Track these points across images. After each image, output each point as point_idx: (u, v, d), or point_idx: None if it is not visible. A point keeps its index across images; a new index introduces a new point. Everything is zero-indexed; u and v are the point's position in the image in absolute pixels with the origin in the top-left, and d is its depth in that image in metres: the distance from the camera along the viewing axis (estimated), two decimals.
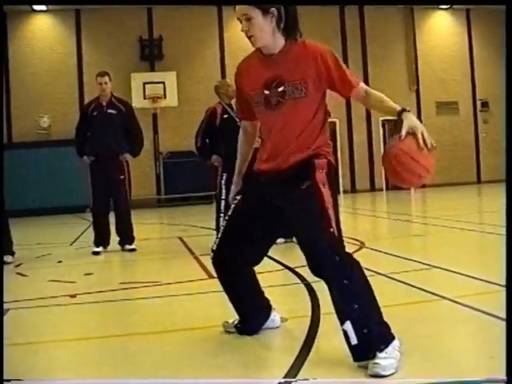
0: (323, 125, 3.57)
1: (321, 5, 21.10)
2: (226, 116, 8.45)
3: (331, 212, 3.33)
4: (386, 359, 3.13)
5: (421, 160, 3.44)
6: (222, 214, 8.19)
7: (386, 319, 3.31)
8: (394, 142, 3.37)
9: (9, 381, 3.04)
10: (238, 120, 8.26)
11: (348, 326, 3.22)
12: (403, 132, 3.29)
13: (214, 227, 8.49)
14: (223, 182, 8.25)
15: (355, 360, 3.21)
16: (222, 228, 3.85)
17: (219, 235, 3.85)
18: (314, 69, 3.46)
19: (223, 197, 8.22)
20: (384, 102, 3.49)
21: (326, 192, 3.37)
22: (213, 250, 3.85)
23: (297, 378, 3.09)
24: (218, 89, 8.78)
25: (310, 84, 3.47)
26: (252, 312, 4.02)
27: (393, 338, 3.25)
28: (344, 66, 3.53)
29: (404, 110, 3.37)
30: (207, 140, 8.64)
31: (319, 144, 3.52)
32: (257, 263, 3.92)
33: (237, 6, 3.48)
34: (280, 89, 3.50)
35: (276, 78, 3.51)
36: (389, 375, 3.08)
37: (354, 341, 3.21)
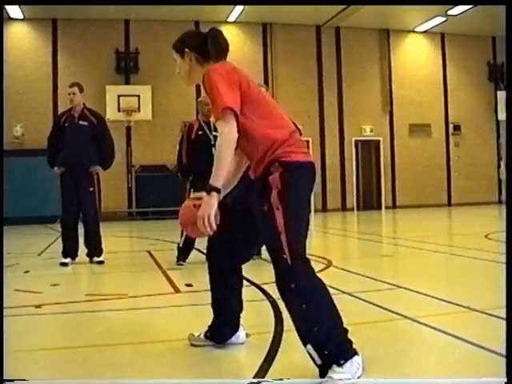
0: (267, 132, 3.45)
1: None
2: (200, 132, 8.53)
3: (283, 237, 3.31)
4: (340, 374, 3.19)
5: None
6: None
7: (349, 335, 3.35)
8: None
9: (12, 381, 3.03)
10: (211, 138, 8.38)
11: (310, 348, 3.29)
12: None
13: (182, 243, 8.43)
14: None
15: (321, 376, 3.25)
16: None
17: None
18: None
19: None
20: (216, 161, 3.37)
21: (278, 215, 3.32)
22: (207, 248, 3.99)
23: (267, 377, 3.11)
24: (197, 105, 8.84)
25: None
26: (228, 320, 4.08)
27: (354, 354, 3.29)
28: (220, 87, 3.42)
29: (212, 189, 3.36)
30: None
31: (274, 148, 3.42)
32: (245, 260, 4.02)
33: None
34: None
35: None
36: None
37: (318, 361, 3.28)
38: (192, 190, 8.29)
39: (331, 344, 3.26)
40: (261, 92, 3.66)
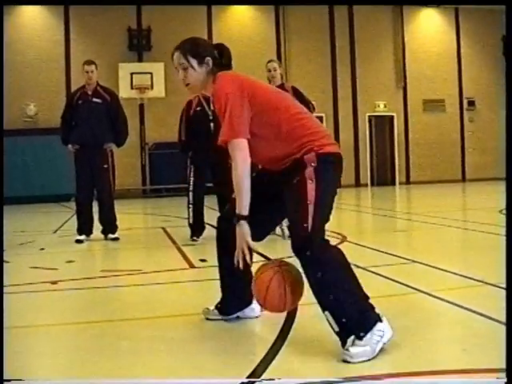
0: (290, 131, 3.53)
1: (315, 4, 21.15)
2: (198, 108, 8.44)
3: (311, 208, 3.38)
4: (358, 347, 3.20)
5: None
6: (190, 205, 8.31)
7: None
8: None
9: (9, 381, 3.05)
10: (210, 114, 8.32)
11: (328, 314, 3.31)
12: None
13: (191, 219, 8.46)
14: (192, 174, 8.35)
15: (342, 346, 3.27)
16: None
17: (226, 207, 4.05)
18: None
19: (191, 188, 8.34)
20: (237, 191, 3.53)
21: (310, 187, 3.40)
22: (218, 223, 4.02)
23: (267, 370, 3.12)
24: None
25: None
26: (237, 293, 4.09)
27: (375, 322, 3.30)
28: (232, 111, 3.50)
29: (239, 218, 3.53)
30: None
31: (300, 144, 3.50)
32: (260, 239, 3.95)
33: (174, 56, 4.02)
34: None
35: None
36: (357, 362, 3.15)
37: (335, 328, 3.30)
38: (192, 166, 8.35)
39: (348, 312, 3.27)
40: (271, 92, 3.77)
